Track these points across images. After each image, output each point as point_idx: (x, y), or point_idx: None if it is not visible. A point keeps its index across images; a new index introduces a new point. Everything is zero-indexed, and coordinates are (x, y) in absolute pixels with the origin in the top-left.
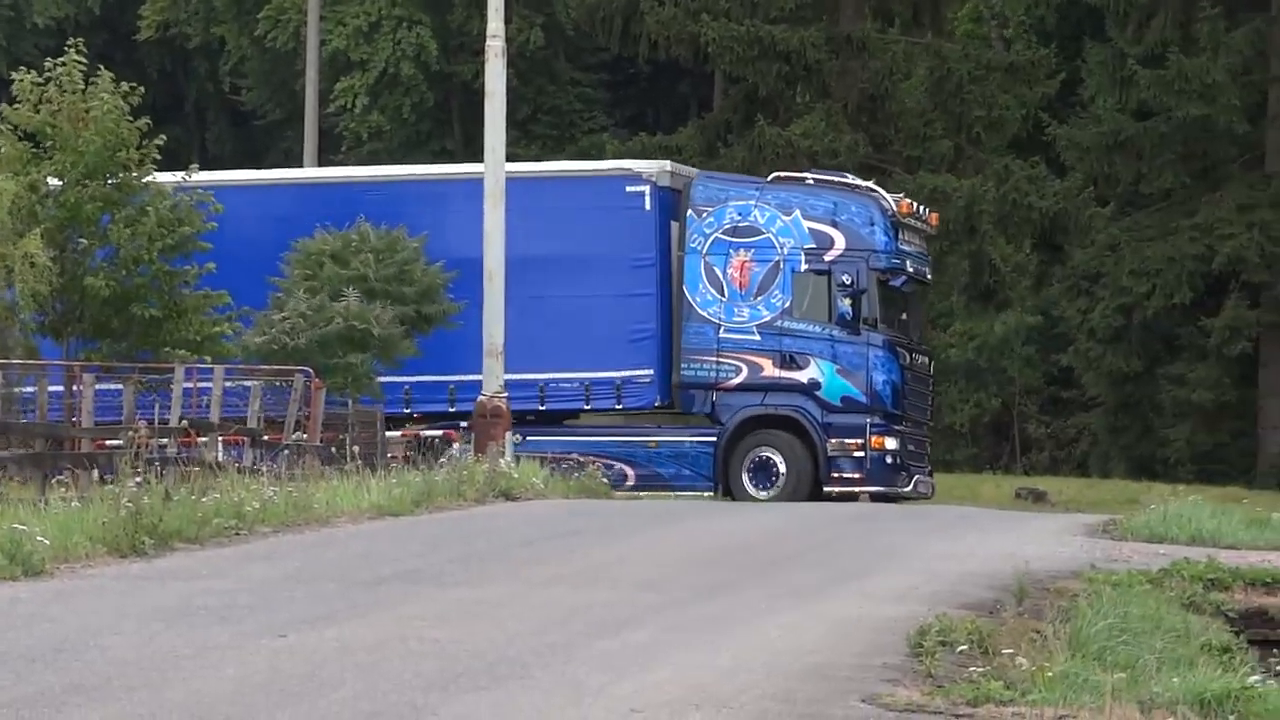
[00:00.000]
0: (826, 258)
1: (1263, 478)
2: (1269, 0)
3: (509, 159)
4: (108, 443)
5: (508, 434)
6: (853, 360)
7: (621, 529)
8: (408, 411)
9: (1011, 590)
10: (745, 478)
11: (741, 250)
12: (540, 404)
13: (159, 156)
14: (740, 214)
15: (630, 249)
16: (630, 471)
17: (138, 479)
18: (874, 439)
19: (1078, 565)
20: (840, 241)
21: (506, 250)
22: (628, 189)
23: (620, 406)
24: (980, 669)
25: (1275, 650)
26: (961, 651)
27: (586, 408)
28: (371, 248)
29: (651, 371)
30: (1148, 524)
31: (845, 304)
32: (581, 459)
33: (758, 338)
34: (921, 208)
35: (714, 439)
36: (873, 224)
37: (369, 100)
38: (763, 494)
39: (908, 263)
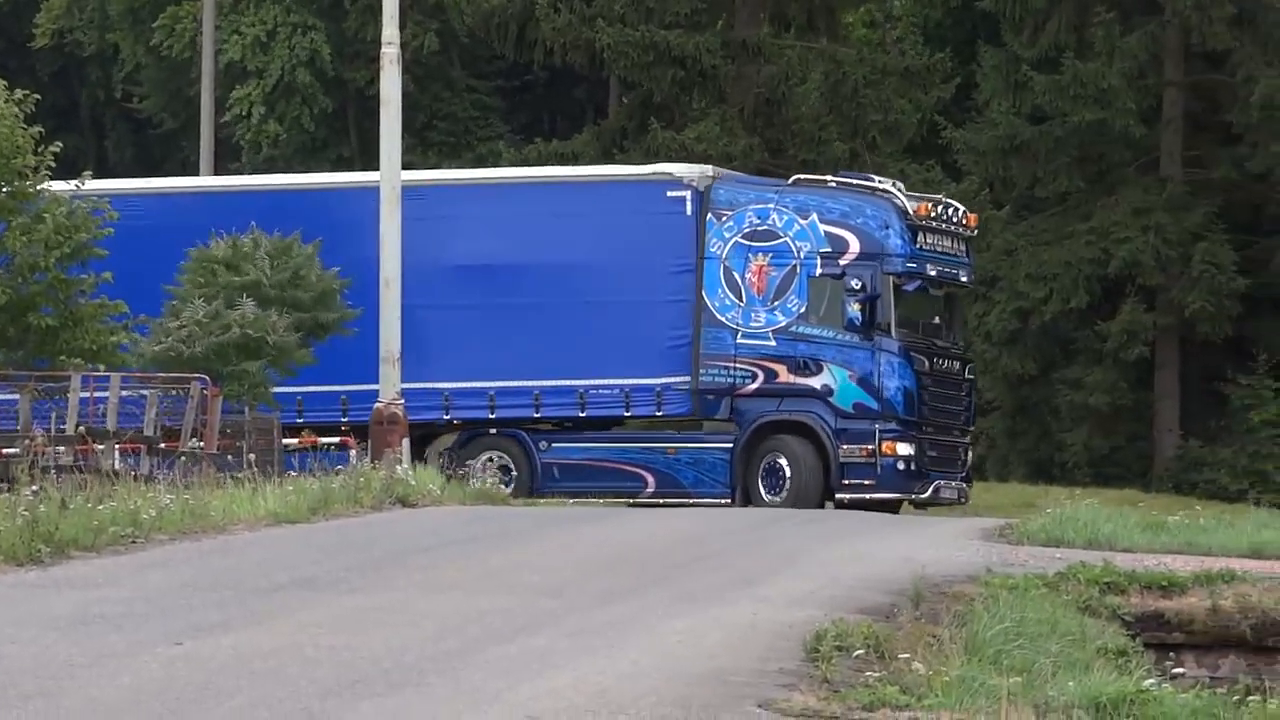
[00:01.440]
0: (842, 262)
1: (1158, 481)
2: (1162, 5)
3: (405, 167)
4: (4, 451)
5: (404, 440)
6: (865, 366)
7: (520, 535)
8: (344, 423)
9: (908, 595)
10: (760, 484)
11: (759, 254)
12: (581, 410)
13: (54, 164)
14: (759, 217)
15: (670, 254)
16: (650, 478)
17: (34, 487)
18: (885, 445)
19: (974, 569)
20: (855, 245)
21: (548, 256)
22: (669, 194)
23: (660, 414)
24: (876, 674)
25: (1171, 654)
26: (858, 656)
27: (627, 415)
28: (265, 253)
29: (688, 378)
30: (1044, 528)
31: (856, 309)
32: (600, 465)
33: (773, 343)
34: (953, 209)
35: (730, 445)
36: (887, 227)
37: (265, 109)
38: (776, 500)
39: (928, 266)
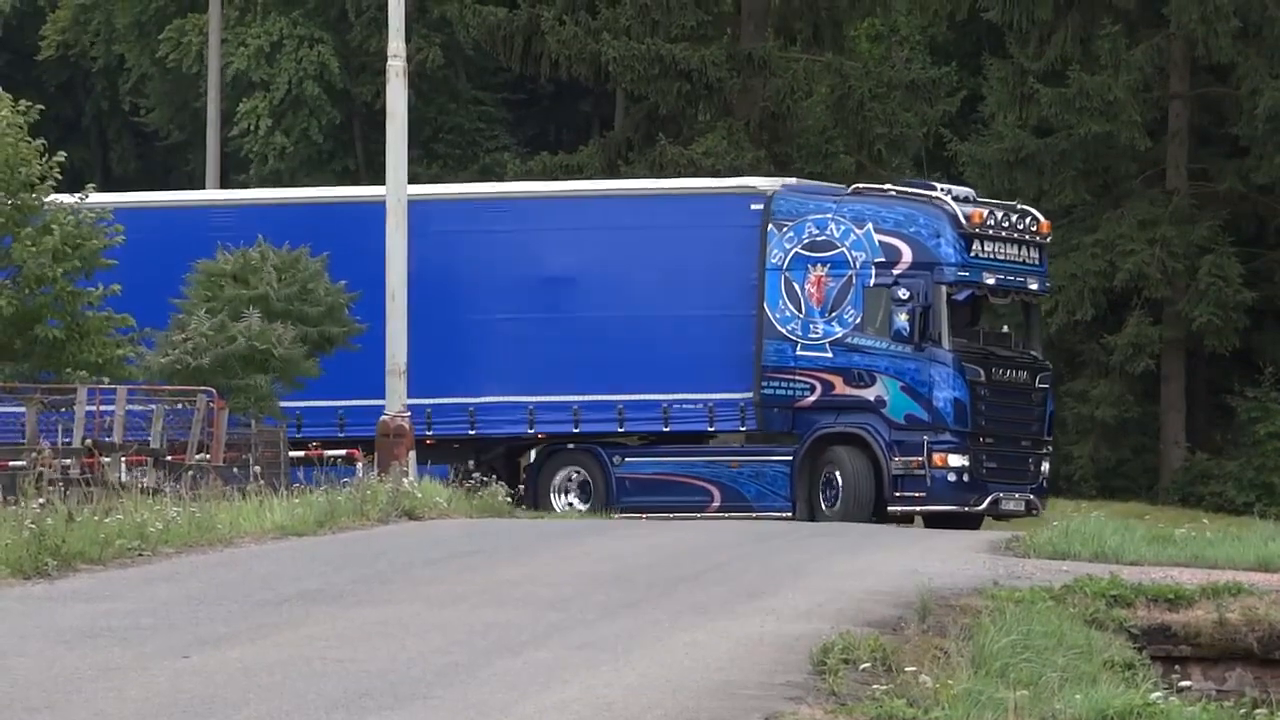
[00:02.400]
0: (895, 271)
1: (1165, 494)
2: (1168, 17)
3: (410, 179)
4: (10, 464)
5: (411, 453)
6: (915, 377)
7: (526, 548)
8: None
9: (915, 607)
10: (821, 497)
11: (818, 265)
12: (664, 425)
13: (60, 176)
14: (818, 228)
15: (752, 267)
16: (716, 492)
17: (41, 500)
18: (936, 457)
19: (981, 582)
20: (908, 254)
21: (631, 269)
22: (751, 206)
23: (743, 428)
24: (883, 686)
25: (1177, 666)
26: (865, 669)
27: (711, 429)
28: (272, 266)
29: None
30: (1050, 541)
31: (904, 319)
32: (670, 479)
33: (830, 355)
34: (1019, 216)
35: (789, 458)
36: (939, 236)
37: (272, 121)
38: (832, 512)
39: (985, 275)
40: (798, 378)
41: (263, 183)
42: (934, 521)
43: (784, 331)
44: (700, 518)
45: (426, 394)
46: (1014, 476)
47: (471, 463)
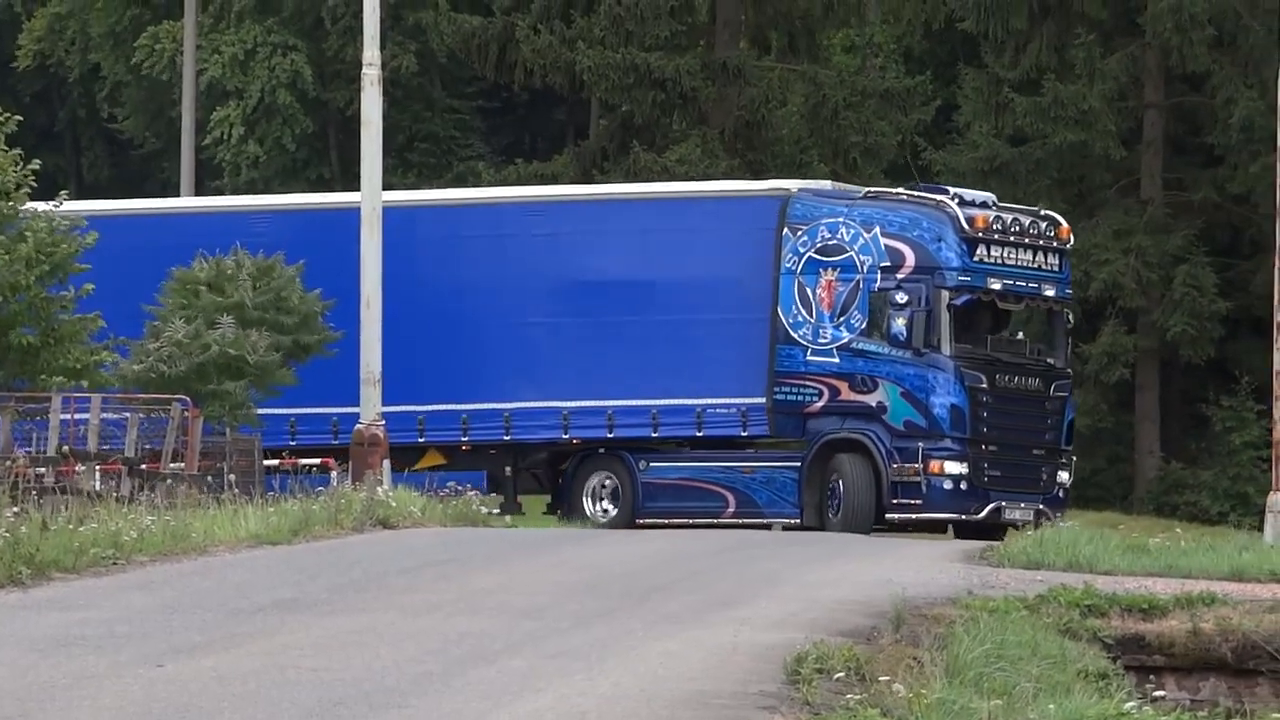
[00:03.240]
0: (899, 276)
1: (1139, 503)
2: (1143, 27)
3: (385, 187)
4: None
5: (385, 461)
6: (914, 383)
7: (501, 556)
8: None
9: (888, 617)
10: (828, 505)
11: (829, 269)
12: (698, 430)
13: (34, 184)
14: (830, 232)
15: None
16: (731, 498)
17: (15, 509)
18: (932, 464)
19: (954, 592)
20: (911, 259)
21: (662, 272)
22: (773, 210)
23: (756, 434)
24: (857, 696)
25: (1152, 676)
26: (839, 679)
27: (744, 434)
28: (247, 274)
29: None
30: (1025, 550)
31: (902, 324)
32: (689, 485)
33: (837, 360)
34: (1031, 221)
35: (798, 464)
36: (940, 240)
37: (245, 129)
38: (835, 520)
39: (990, 280)
40: (807, 383)
41: (236, 191)
42: (963, 531)
43: (795, 336)
44: (712, 525)
45: (461, 399)
46: (1022, 485)
47: (509, 469)
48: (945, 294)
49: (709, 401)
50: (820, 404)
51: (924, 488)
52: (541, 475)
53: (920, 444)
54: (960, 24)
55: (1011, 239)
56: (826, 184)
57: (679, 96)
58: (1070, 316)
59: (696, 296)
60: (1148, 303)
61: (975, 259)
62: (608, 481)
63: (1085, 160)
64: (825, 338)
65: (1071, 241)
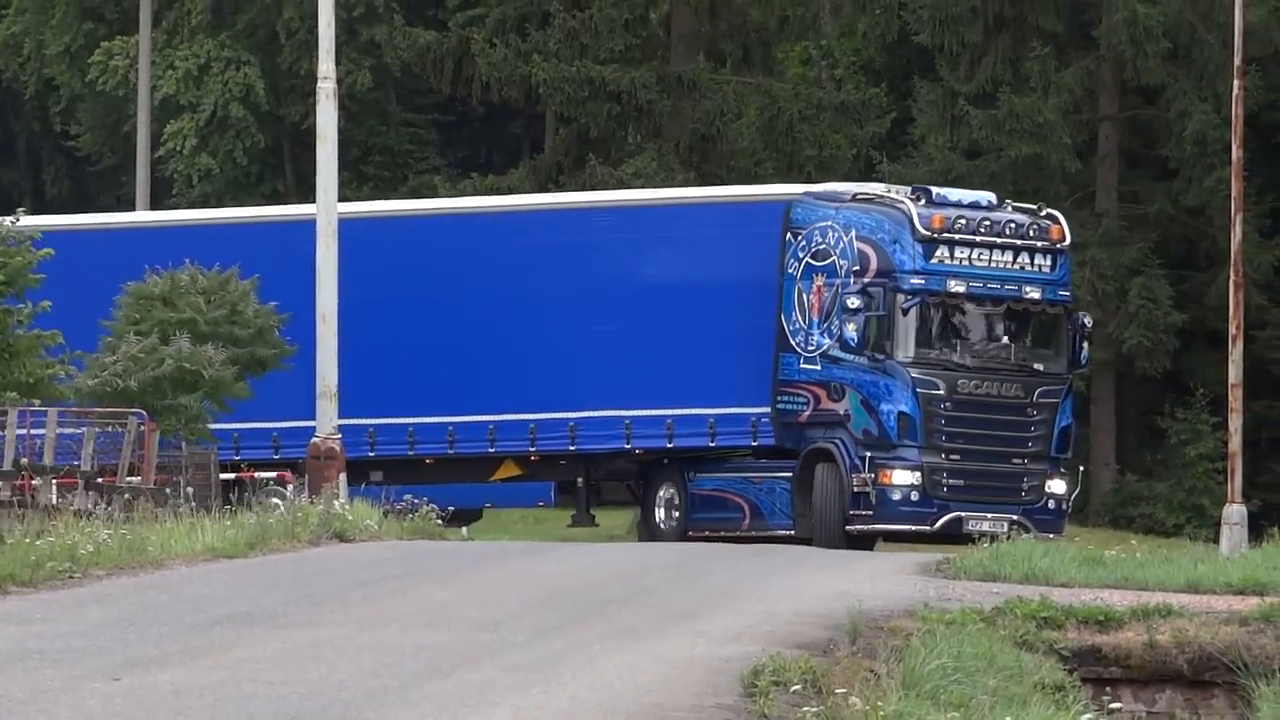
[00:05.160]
0: (865, 280)
1: (1095, 515)
2: (1098, 40)
3: (340, 199)
4: None
5: (341, 475)
6: (870, 390)
7: (458, 570)
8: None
9: (845, 629)
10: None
11: (818, 275)
12: (753, 439)
13: None
14: (821, 236)
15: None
16: (746, 509)
17: None
18: (882, 474)
19: (911, 604)
20: (874, 262)
21: (700, 276)
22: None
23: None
24: (814, 709)
25: (1108, 688)
26: (795, 691)
27: (753, 444)
28: (201, 289)
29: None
30: (981, 562)
31: (852, 330)
32: (718, 495)
33: (819, 368)
34: (1011, 223)
35: (789, 475)
36: (896, 242)
37: (198, 142)
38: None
39: (951, 282)
40: (799, 391)
41: (191, 204)
42: (922, 543)
43: (793, 344)
44: (728, 536)
45: (531, 409)
46: (992, 496)
47: (580, 480)
48: (900, 297)
49: (725, 411)
50: (808, 413)
51: (874, 498)
52: (633, 486)
53: (868, 453)
54: (915, 37)
55: (979, 239)
56: (829, 186)
57: (634, 109)
58: (1086, 320)
59: (720, 301)
60: (1103, 315)
61: (933, 260)
62: (668, 492)
63: (1040, 173)
64: (812, 345)
65: (1067, 241)
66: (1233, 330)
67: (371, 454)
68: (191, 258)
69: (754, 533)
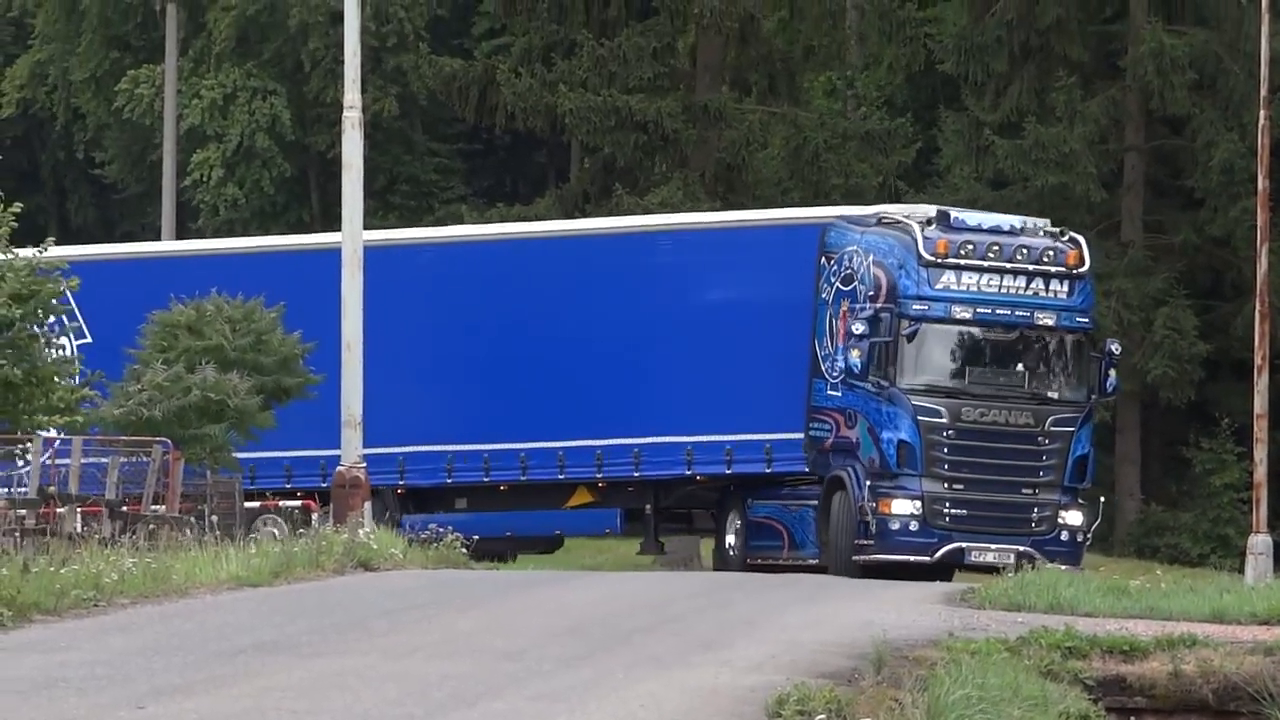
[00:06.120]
0: (876, 305)
1: (1120, 545)
2: (1124, 69)
3: (366, 229)
4: None
5: (366, 504)
6: (875, 418)
7: (482, 598)
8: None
9: (869, 659)
10: None
11: (845, 300)
12: (808, 467)
13: (15, 223)
14: (849, 261)
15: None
16: (786, 537)
17: None
18: (882, 503)
19: (936, 634)
20: (884, 287)
21: (753, 298)
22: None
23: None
24: None
25: (1133, 718)
26: None
27: (783, 470)
28: (227, 318)
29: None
30: (1006, 592)
31: (856, 356)
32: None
33: (840, 394)
34: (1023, 248)
35: (814, 503)
36: (902, 267)
37: (224, 172)
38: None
39: (956, 308)
40: (825, 417)
41: (216, 232)
42: (918, 575)
43: (823, 369)
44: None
45: (597, 435)
46: (999, 526)
47: (648, 506)
48: (903, 323)
49: (781, 436)
50: (831, 439)
51: (874, 528)
52: (692, 515)
53: (869, 482)
54: (940, 66)
55: (987, 265)
56: (861, 210)
57: (660, 139)
58: (1114, 347)
59: (776, 325)
60: (1128, 345)
61: (939, 286)
62: (738, 521)
63: (1066, 203)
64: (836, 371)
65: (1085, 266)
66: (1258, 360)
67: (449, 481)
68: (219, 287)
69: (791, 561)
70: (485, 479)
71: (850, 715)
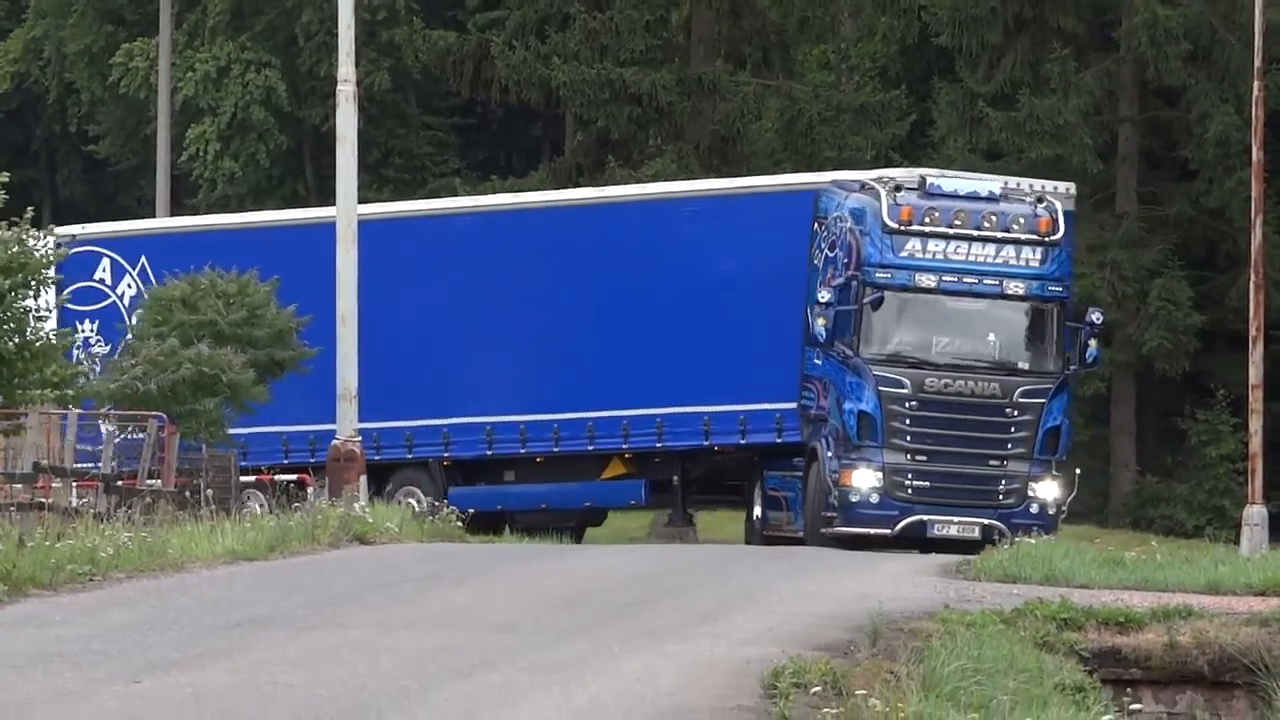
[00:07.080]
0: (847, 273)
1: (1115, 517)
2: (1118, 41)
3: (360, 202)
4: None
5: (362, 478)
6: (840, 388)
7: (477, 572)
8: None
9: (865, 631)
10: None
11: (830, 267)
12: (778, 436)
13: (6, 195)
14: (835, 226)
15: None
16: (787, 509)
17: None
18: (844, 474)
19: (931, 606)
20: (854, 253)
21: (763, 268)
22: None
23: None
24: (834, 710)
25: (1128, 690)
26: (815, 693)
27: (779, 440)
28: (220, 292)
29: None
30: (1001, 564)
31: (820, 325)
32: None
33: (820, 363)
34: (1001, 213)
35: (800, 474)
36: (868, 234)
37: (220, 146)
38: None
39: (920, 277)
40: (810, 386)
41: (211, 207)
42: (882, 547)
43: (814, 336)
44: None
45: (623, 405)
46: (963, 498)
47: (675, 478)
48: (866, 290)
49: (789, 406)
50: (814, 409)
51: (837, 499)
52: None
53: (829, 453)
54: (935, 38)
55: (953, 232)
56: (850, 175)
57: (654, 111)
58: (1095, 317)
59: (781, 294)
60: (1123, 316)
61: (903, 254)
62: (758, 492)
63: (1061, 174)
64: (821, 339)
65: (1059, 233)
66: (1253, 331)
67: (489, 452)
68: (220, 262)
69: (791, 533)
70: (522, 450)
71: (846, 687)
